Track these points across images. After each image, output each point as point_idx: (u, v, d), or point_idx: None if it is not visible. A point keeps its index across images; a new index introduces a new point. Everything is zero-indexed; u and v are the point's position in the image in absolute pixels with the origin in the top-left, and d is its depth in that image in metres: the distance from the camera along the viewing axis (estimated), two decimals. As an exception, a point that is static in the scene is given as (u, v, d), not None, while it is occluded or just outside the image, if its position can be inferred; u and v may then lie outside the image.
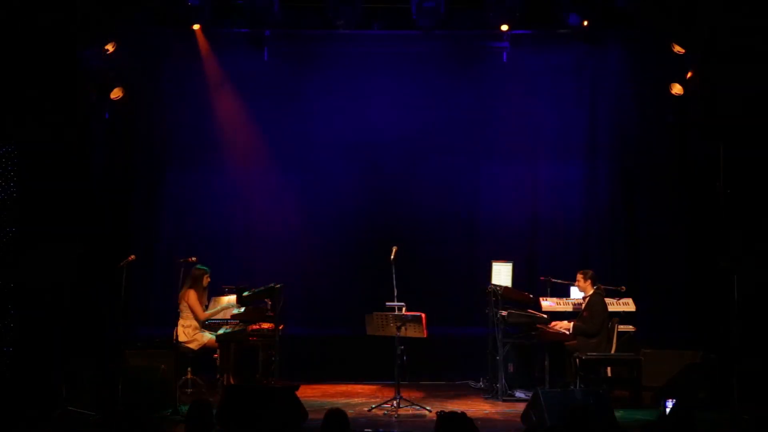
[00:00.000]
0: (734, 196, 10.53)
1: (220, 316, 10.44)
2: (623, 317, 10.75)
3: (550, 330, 10.24)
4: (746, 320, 9.94)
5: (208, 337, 10.23)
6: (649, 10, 10.57)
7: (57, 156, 9.74)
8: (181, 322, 10.13)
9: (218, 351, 10.16)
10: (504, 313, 10.19)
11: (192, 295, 10.22)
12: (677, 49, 10.71)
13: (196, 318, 10.25)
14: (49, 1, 9.60)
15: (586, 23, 11.12)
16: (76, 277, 9.81)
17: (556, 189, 12.05)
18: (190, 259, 9.70)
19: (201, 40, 11.48)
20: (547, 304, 10.91)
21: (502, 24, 11.27)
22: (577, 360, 9.86)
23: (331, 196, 12.07)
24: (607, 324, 10.21)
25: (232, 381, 9.98)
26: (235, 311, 10.27)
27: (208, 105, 11.99)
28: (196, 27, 11.27)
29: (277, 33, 11.54)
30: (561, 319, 10.49)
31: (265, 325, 9.83)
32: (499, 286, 10.37)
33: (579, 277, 10.42)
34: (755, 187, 10.35)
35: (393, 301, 9.70)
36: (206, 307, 10.50)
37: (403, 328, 9.35)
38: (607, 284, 10.58)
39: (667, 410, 7.46)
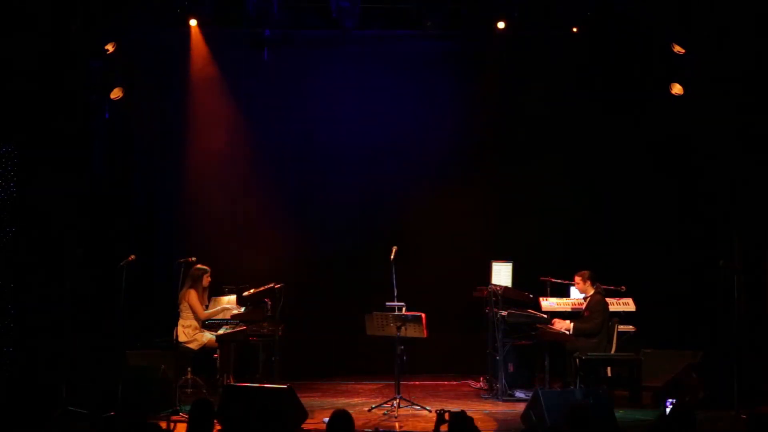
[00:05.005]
0: (735, 195, 10.58)
1: (220, 316, 10.45)
2: (623, 317, 10.76)
3: (550, 330, 10.24)
4: (746, 320, 9.97)
5: (208, 337, 10.24)
6: (649, 11, 10.56)
7: (57, 156, 9.74)
8: (181, 322, 10.14)
9: (218, 351, 10.18)
10: (504, 313, 10.19)
11: (192, 295, 10.24)
12: (677, 49, 10.71)
13: (197, 318, 10.26)
14: (50, 1, 9.60)
15: (577, 28, 11.19)
16: (76, 277, 9.80)
17: (557, 189, 12.04)
18: (190, 259, 9.70)
19: (195, 36, 11.47)
20: (547, 304, 10.92)
21: (502, 24, 11.30)
22: (577, 360, 9.87)
23: (331, 195, 12.08)
24: (607, 324, 10.22)
25: (232, 381, 9.98)
26: (235, 311, 10.28)
27: (209, 105, 11.99)
28: (193, 22, 11.26)
29: (277, 33, 11.54)
30: (561, 319, 10.51)
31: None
32: (499, 286, 10.37)
33: (577, 279, 10.43)
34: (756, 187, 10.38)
35: (393, 301, 9.70)
36: (206, 308, 10.51)
37: (403, 328, 9.35)
38: (607, 284, 10.59)
39: (667, 410, 7.47)
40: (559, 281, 11.04)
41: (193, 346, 10.19)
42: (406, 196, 12.09)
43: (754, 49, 10.13)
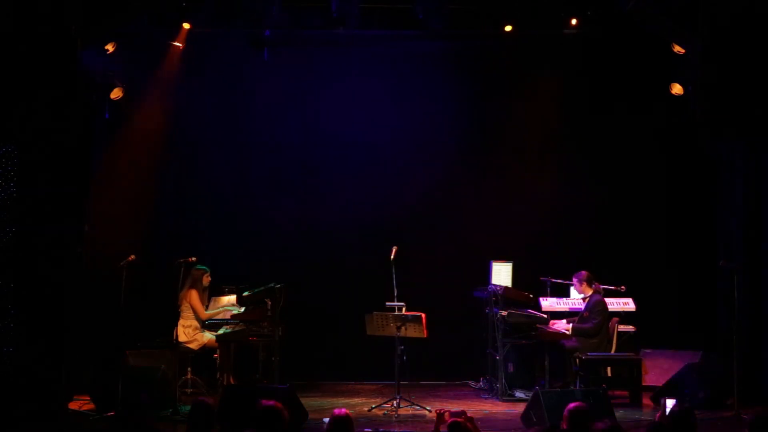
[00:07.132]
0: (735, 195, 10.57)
1: (221, 316, 10.45)
2: (623, 317, 10.77)
3: (550, 330, 10.24)
4: (746, 320, 9.97)
5: (208, 337, 10.24)
6: (649, 11, 10.55)
7: (57, 156, 9.73)
8: (181, 322, 10.15)
9: (218, 351, 10.18)
10: (504, 313, 10.19)
11: (194, 295, 10.24)
12: (677, 49, 10.70)
13: (198, 318, 10.26)
14: (50, 1, 9.59)
15: (575, 22, 11.21)
16: (76, 277, 9.80)
17: (556, 189, 12.04)
18: (190, 259, 9.69)
19: (181, 39, 11.45)
20: (547, 304, 10.93)
21: (504, 24, 11.32)
22: (577, 360, 9.87)
23: (331, 195, 12.07)
24: (607, 324, 10.22)
25: (232, 381, 9.99)
26: (235, 311, 10.28)
27: (208, 105, 11.99)
28: (186, 26, 11.27)
29: (277, 33, 11.53)
30: (560, 319, 10.51)
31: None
32: (499, 286, 10.37)
33: (575, 280, 10.46)
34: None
35: (393, 301, 9.70)
36: (206, 307, 10.51)
37: (403, 328, 9.35)
38: (607, 284, 10.59)
39: (667, 410, 7.46)
40: (559, 281, 11.05)
41: (193, 346, 10.19)
42: (406, 196, 12.08)
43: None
